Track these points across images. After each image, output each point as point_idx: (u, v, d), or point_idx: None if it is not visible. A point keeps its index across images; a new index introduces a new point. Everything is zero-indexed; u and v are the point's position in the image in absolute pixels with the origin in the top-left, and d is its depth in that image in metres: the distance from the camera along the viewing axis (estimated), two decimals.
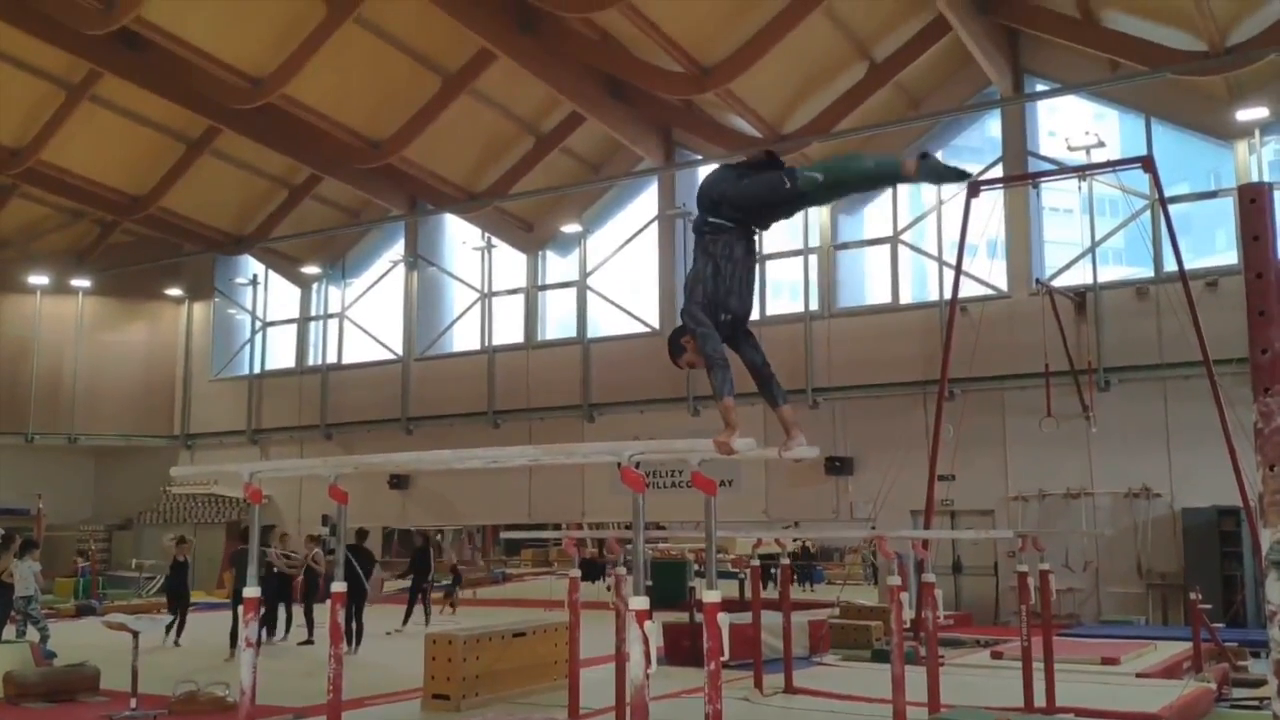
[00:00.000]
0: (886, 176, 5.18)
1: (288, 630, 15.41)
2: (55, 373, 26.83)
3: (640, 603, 4.76)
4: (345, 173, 22.40)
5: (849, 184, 5.20)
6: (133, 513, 27.04)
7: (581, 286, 23.09)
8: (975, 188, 15.85)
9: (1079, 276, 17.99)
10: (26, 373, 26.51)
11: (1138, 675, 10.99)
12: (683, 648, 12.04)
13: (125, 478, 27.76)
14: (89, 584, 22.91)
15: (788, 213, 5.18)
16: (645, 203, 22.86)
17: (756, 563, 11.93)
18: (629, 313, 22.44)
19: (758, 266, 5.22)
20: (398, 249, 25.66)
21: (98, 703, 10.27)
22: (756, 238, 5.19)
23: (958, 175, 4.97)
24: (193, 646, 14.39)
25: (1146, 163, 14.94)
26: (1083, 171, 16.24)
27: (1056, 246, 19.19)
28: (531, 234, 23.88)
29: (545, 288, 23.98)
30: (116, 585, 24.14)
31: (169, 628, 14.68)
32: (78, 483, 27.84)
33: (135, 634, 10.20)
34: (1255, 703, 9.97)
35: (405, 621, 17.51)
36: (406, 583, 19.77)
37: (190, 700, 9.75)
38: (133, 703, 9.70)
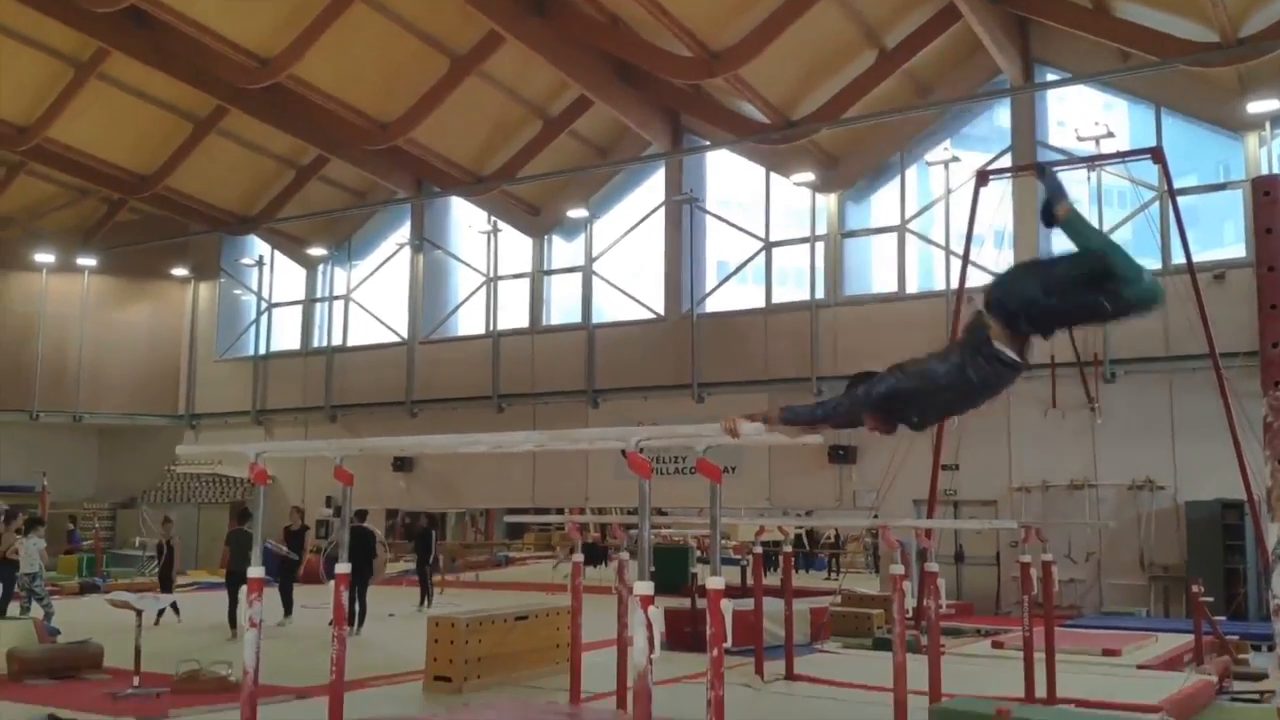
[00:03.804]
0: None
1: (289, 612, 15.38)
2: (60, 351, 26.86)
3: (644, 588, 4.75)
4: (352, 154, 22.38)
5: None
6: (136, 491, 27.09)
7: (587, 271, 23.06)
8: (984, 177, 15.79)
9: None
10: (31, 350, 26.55)
11: (1139, 667, 11.00)
12: (684, 634, 12.04)
13: (129, 457, 27.83)
14: (93, 562, 23.00)
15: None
16: (652, 188, 22.80)
17: (759, 550, 11.94)
18: (634, 298, 22.42)
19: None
20: (403, 231, 25.63)
21: (101, 680, 10.31)
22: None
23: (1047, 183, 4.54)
24: (195, 626, 14.42)
25: (1156, 154, 14.87)
26: (1092, 162, 16.17)
27: (1064, 238, 19.05)
28: (537, 218, 23.85)
29: (550, 272, 23.95)
30: (120, 563, 24.22)
31: (161, 611, 14.51)
32: (82, 461, 27.93)
33: (139, 612, 10.24)
34: (1256, 696, 9.96)
35: (426, 602, 17.55)
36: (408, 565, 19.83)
37: (192, 679, 9.78)
38: (136, 681, 9.72)
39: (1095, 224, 17.48)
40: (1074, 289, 4.29)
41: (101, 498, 27.50)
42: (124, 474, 27.70)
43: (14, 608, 13.53)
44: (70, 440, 27.49)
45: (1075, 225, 4.39)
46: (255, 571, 6.05)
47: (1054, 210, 4.45)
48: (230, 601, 13.93)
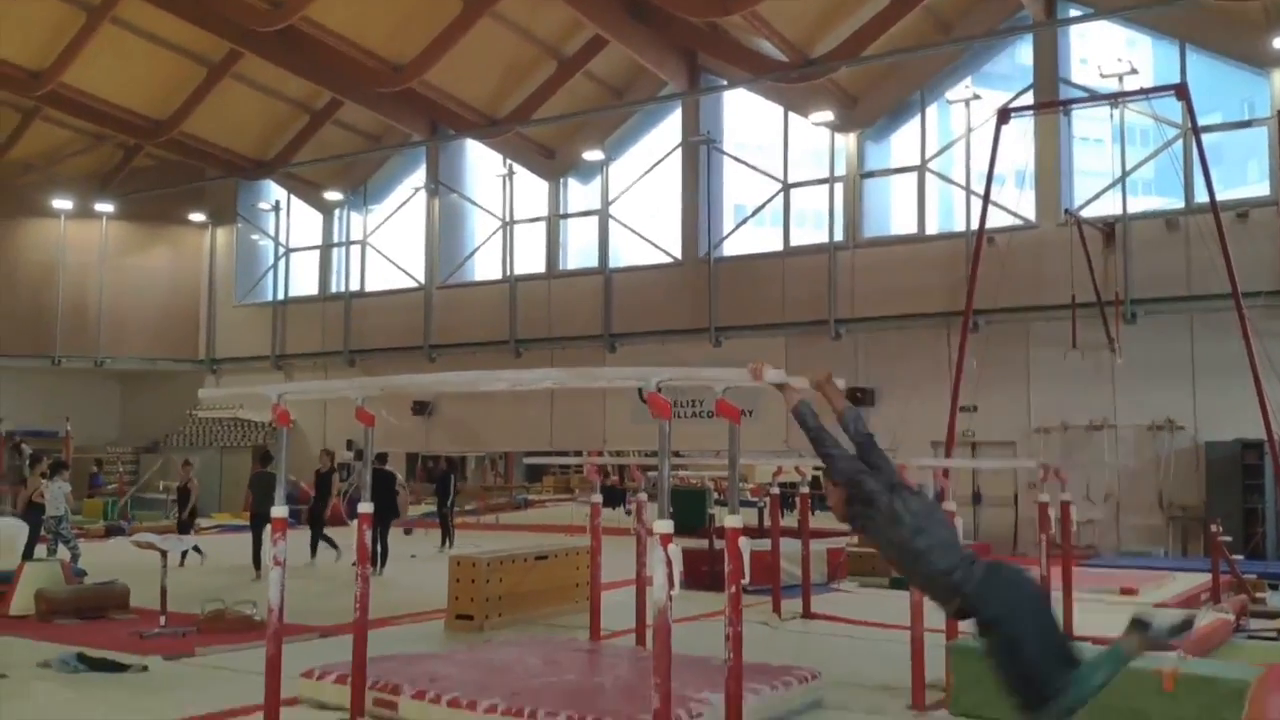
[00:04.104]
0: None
1: (316, 550, 15.52)
2: (80, 297, 27.01)
3: (664, 526, 4.79)
4: (366, 97, 22.24)
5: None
6: (159, 436, 27.36)
7: (603, 215, 22.95)
8: (1005, 114, 15.62)
9: (1108, 207, 17.73)
10: (52, 296, 26.69)
11: (1155, 606, 11.02)
12: (701, 573, 12.14)
13: (151, 401, 28.08)
14: (117, 505, 23.31)
15: None
16: (669, 130, 22.60)
17: (776, 491, 11.98)
18: (651, 242, 22.32)
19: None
20: (419, 175, 25.55)
21: (127, 620, 10.48)
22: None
23: (1181, 628, 4.28)
24: (220, 567, 14.60)
25: (1180, 90, 14.68)
26: (1115, 99, 15.95)
27: (1086, 177, 18.90)
28: (553, 161, 23.70)
29: (567, 216, 23.85)
30: (144, 507, 24.53)
31: (185, 553, 14.62)
32: (104, 406, 28.18)
33: (164, 553, 10.38)
34: (1273, 634, 10.00)
35: (447, 543, 17.67)
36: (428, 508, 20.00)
37: (218, 618, 9.93)
38: (162, 620, 9.90)
39: (1117, 161, 17.30)
40: (1036, 656, 4.10)
41: (124, 442, 27.80)
42: (146, 419, 27.95)
43: (40, 550, 13.72)
44: (92, 385, 27.71)
45: (1118, 658, 4.15)
46: (279, 512, 6.11)
47: (1151, 642, 4.18)
48: (254, 543, 14.09)
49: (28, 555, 12.92)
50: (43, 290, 26.73)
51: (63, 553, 13.48)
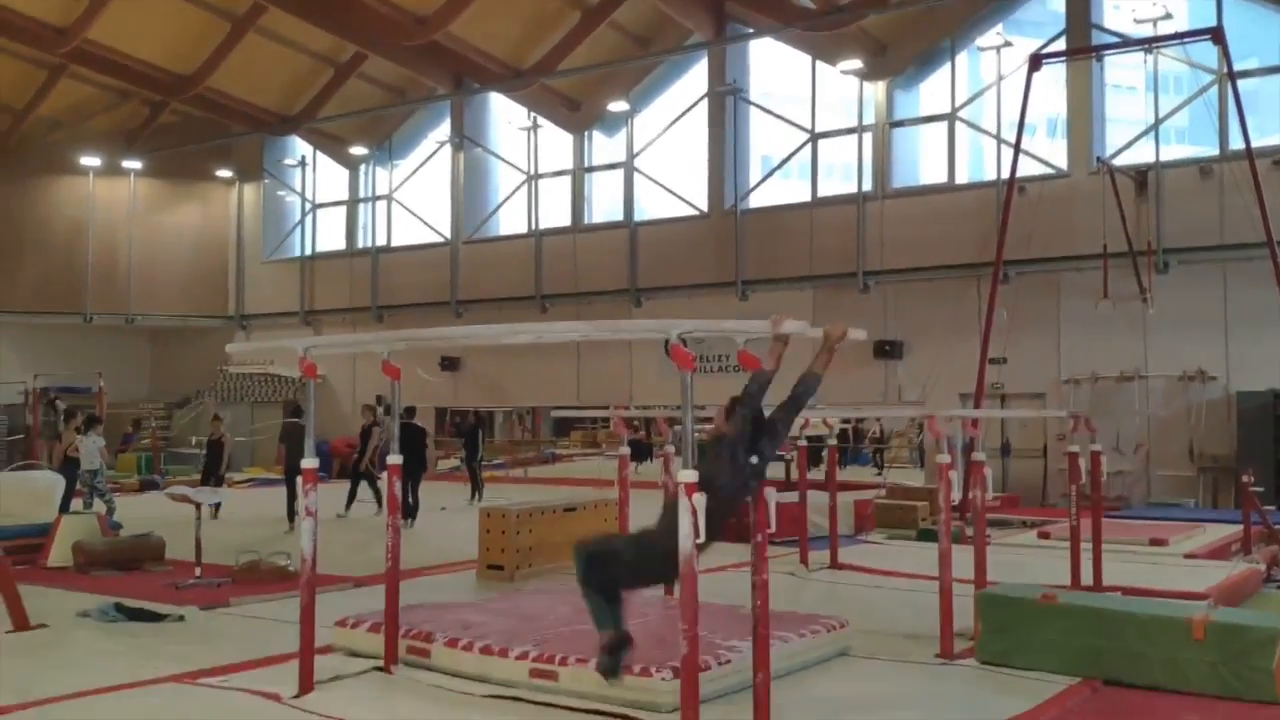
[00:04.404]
0: None
1: (348, 505, 15.65)
2: (110, 254, 27.19)
3: (689, 476, 4.80)
4: (390, 50, 22.14)
5: None
6: (190, 392, 27.63)
7: (629, 168, 22.81)
8: (1037, 61, 15.37)
9: (1141, 155, 17.47)
10: (82, 254, 26.89)
11: (1185, 556, 11.00)
12: (729, 525, 12.16)
13: (182, 357, 28.34)
14: (151, 460, 23.59)
15: None
16: (695, 80, 22.38)
17: (804, 443, 11.98)
18: (677, 195, 22.18)
19: None
20: (444, 129, 25.46)
21: (163, 571, 10.64)
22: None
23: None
24: (254, 520, 14.77)
25: (1216, 34, 14.40)
26: (1149, 44, 15.65)
27: (1118, 124, 18.60)
28: (578, 113, 23.53)
29: (592, 169, 23.72)
30: (177, 461, 24.84)
31: (217, 505, 14.72)
32: (136, 362, 28.46)
33: (198, 506, 10.52)
34: None
35: (477, 496, 17.78)
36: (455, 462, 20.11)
37: (252, 569, 10.07)
38: (197, 571, 10.05)
39: (1150, 108, 16.98)
40: (628, 571, 5.73)
41: (156, 398, 28.09)
42: (177, 374, 28.23)
43: (76, 503, 13.92)
44: (123, 342, 27.97)
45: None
46: (309, 463, 6.16)
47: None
48: (288, 496, 14.21)
49: (64, 508, 13.13)
50: (73, 247, 26.94)
51: (98, 506, 13.70)
